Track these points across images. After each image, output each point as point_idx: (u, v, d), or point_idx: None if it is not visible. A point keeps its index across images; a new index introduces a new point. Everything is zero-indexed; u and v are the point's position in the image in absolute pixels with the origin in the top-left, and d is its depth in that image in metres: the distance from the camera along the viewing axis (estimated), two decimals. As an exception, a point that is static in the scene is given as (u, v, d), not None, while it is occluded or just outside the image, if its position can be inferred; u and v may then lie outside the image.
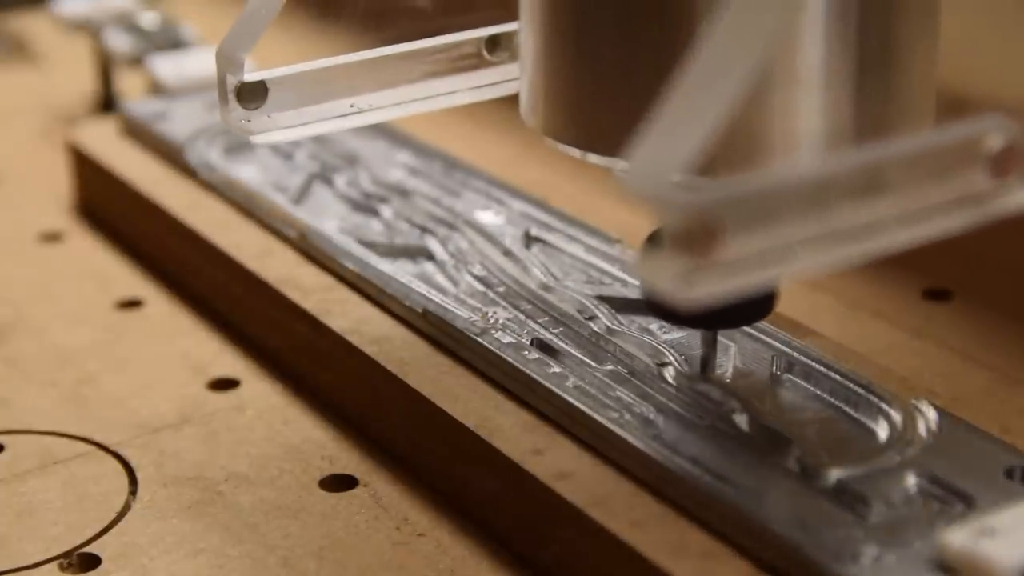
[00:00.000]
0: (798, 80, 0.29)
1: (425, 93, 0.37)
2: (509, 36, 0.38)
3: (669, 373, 0.35)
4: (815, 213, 0.26)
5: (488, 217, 0.44)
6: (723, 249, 0.25)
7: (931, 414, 0.33)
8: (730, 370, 0.36)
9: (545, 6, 0.32)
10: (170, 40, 0.58)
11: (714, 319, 0.33)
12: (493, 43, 0.38)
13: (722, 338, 0.37)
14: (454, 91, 0.38)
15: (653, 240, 0.30)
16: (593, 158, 0.31)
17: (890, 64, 0.30)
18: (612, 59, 0.30)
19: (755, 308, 0.33)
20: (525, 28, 0.33)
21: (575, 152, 0.32)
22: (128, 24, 0.59)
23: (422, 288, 0.40)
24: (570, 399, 0.34)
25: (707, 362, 0.35)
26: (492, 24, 0.38)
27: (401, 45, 0.37)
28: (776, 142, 0.29)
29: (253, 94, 0.35)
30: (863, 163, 0.27)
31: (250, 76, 0.35)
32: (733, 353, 0.36)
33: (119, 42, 0.58)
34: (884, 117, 0.30)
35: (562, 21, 0.31)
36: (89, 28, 0.59)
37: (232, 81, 0.35)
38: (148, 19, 0.59)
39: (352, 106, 0.36)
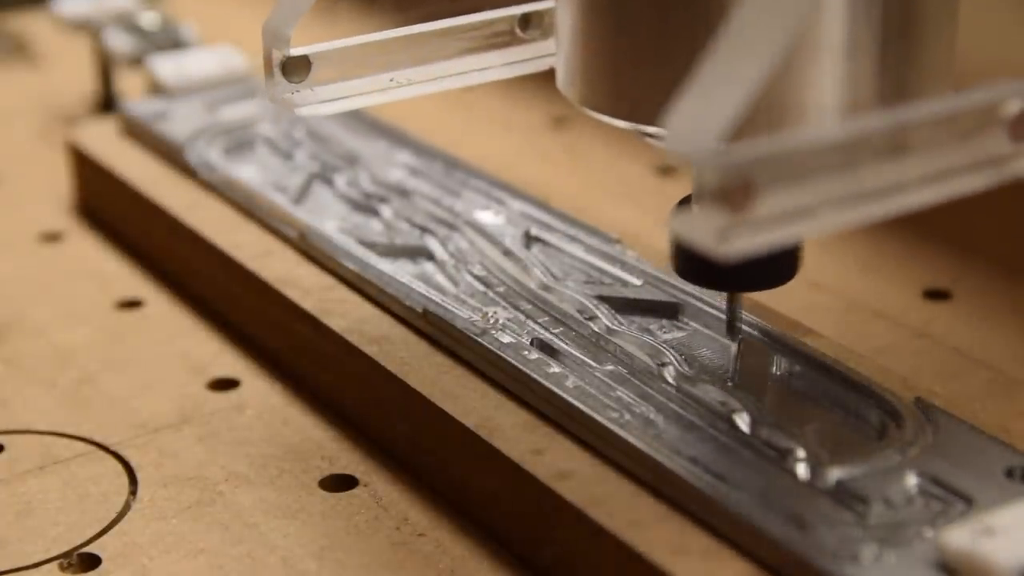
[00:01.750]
0: (823, 49, 0.30)
1: (460, 69, 0.38)
2: (541, 14, 0.39)
3: (669, 373, 0.35)
4: (842, 173, 0.28)
5: (488, 217, 0.44)
6: (757, 205, 0.26)
7: (931, 414, 0.33)
8: (730, 370, 0.36)
9: None
10: (170, 40, 0.58)
11: (741, 280, 0.34)
12: (526, 21, 0.39)
13: (722, 339, 0.37)
14: (488, 67, 0.39)
15: (683, 204, 0.32)
16: (626, 125, 0.32)
17: (911, 33, 0.31)
18: (647, 29, 0.31)
19: (780, 270, 0.34)
20: (562, 2, 0.33)
21: (613, 121, 0.33)
22: (128, 24, 0.59)
23: (422, 288, 0.40)
24: (570, 399, 0.34)
25: (732, 325, 0.36)
26: (525, 3, 0.39)
27: (438, 22, 0.38)
28: (803, 109, 0.30)
29: (297, 68, 0.36)
30: (887, 125, 0.28)
31: (295, 51, 0.36)
32: (734, 353, 0.36)
33: (119, 42, 0.58)
34: (906, 85, 0.31)
35: None
36: (89, 28, 0.59)
37: (278, 56, 0.36)
38: (148, 19, 0.59)
39: (392, 80, 0.37)
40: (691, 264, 0.34)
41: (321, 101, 0.37)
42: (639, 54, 0.31)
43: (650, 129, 0.32)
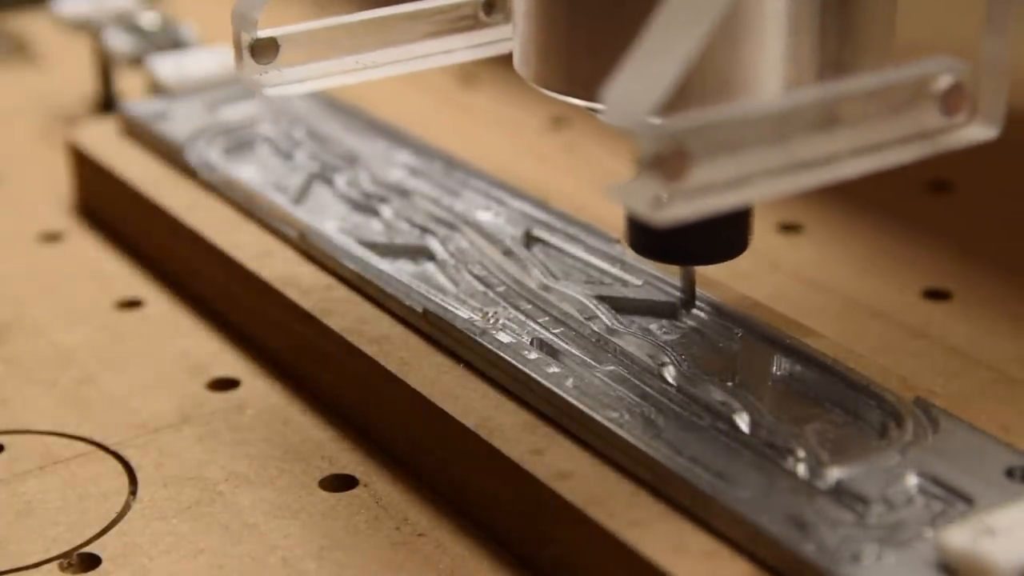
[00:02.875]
0: (764, 24, 0.31)
1: (425, 51, 0.39)
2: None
3: (669, 373, 0.35)
4: (776, 144, 0.29)
5: (488, 217, 0.44)
6: (692, 174, 0.28)
7: (931, 414, 0.33)
8: (730, 370, 0.36)
9: None
10: (170, 40, 0.58)
11: (692, 254, 0.36)
12: (489, 5, 0.40)
13: (722, 339, 0.37)
14: (452, 50, 0.40)
15: None
16: (579, 103, 0.33)
17: (850, 8, 0.32)
18: (598, 8, 0.32)
19: (730, 244, 0.35)
20: None
21: (564, 99, 0.34)
22: (128, 24, 0.59)
23: (422, 288, 0.40)
24: (570, 399, 0.34)
25: (686, 300, 0.37)
26: None
27: (403, 6, 0.39)
28: (743, 82, 0.31)
29: (265, 50, 0.37)
30: (820, 98, 0.29)
31: (263, 33, 0.37)
32: (733, 353, 0.36)
33: (119, 42, 0.58)
34: (845, 59, 0.32)
35: None
36: (89, 28, 0.59)
37: (246, 38, 0.37)
38: (148, 19, 0.59)
39: (357, 62, 0.38)
40: (643, 238, 0.35)
41: (289, 82, 0.38)
42: (591, 33, 0.32)
43: (601, 107, 0.32)
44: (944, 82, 0.30)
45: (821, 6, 0.31)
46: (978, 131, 0.31)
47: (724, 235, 0.35)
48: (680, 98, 0.30)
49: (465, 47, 0.40)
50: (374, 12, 0.38)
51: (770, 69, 0.31)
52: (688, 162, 0.28)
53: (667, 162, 0.27)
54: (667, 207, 0.28)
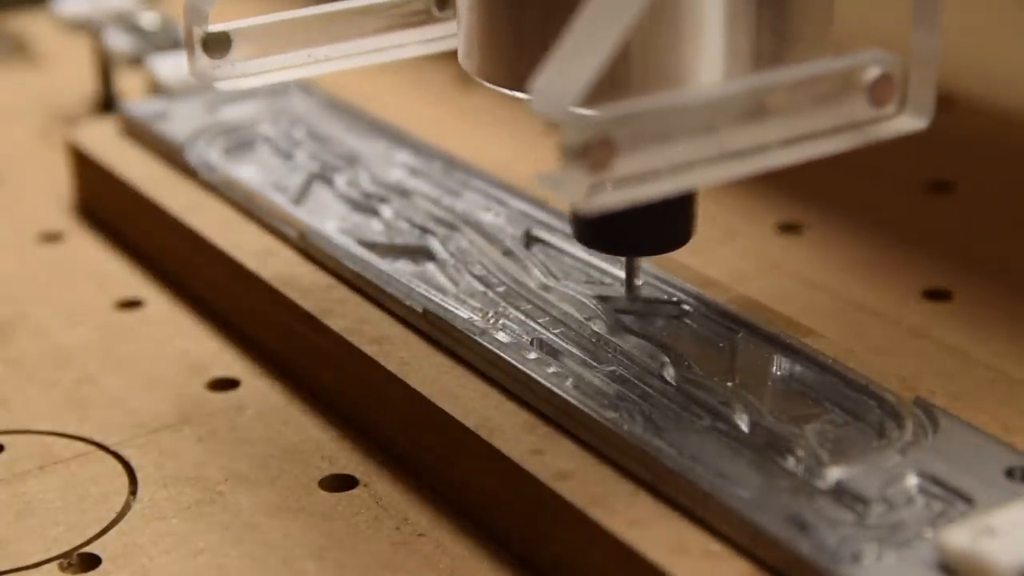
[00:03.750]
0: (699, 14, 0.31)
1: (377, 46, 0.40)
2: None
3: (669, 373, 0.35)
4: (704, 134, 0.29)
5: (488, 217, 0.44)
6: (618, 164, 0.28)
7: (931, 414, 0.33)
8: (730, 370, 0.36)
9: None
10: (170, 40, 0.58)
11: (635, 245, 0.36)
12: (442, 1, 0.40)
13: (722, 339, 0.37)
14: (404, 44, 0.40)
15: None
16: (520, 96, 0.34)
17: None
18: (535, 4, 0.32)
19: (674, 234, 0.36)
20: None
21: (506, 92, 0.34)
22: (128, 24, 0.59)
23: (422, 288, 0.40)
24: (570, 399, 0.34)
25: (629, 288, 0.38)
26: None
27: (355, 1, 0.39)
28: (681, 73, 0.32)
29: (218, 44, 0.37)
30: (749, 89, 0.30)
31: (215, 27, 0.37)
32: (734, 353, 0.36)
33: (119, 42, 0.58)
34: (780, 49, 0.32)
35: None
36: (89, 28, 0.59)
37: (198, 32, 0.37)
38: (148, 19, 0.59)
39: (309, 56, 0.39)
40: (587, 230, 0.36)
41: (241, 75, 0.38)
42: (529, 26, 0.33)
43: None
44: (872, 73, 0.31)
45: None
46: (907, 122, 0.31)
47: (672, 225, 0.36)
48: (618, 89, 0.30)
49: (418, 42, 0.40)
50: (327, 6, 0.39)
51: (707, 60, 0.32)
52: (614, 151, 0.28)
53: (593, 151, 0.28)
54: (594, 196, 0.28)
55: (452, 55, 0.38)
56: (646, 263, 0.40)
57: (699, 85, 0.32)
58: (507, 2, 0.33)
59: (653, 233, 0.36)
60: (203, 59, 0.37)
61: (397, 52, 0.40)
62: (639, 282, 0.38)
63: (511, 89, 0.34)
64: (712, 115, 0.29)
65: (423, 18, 0.40)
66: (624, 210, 0.29)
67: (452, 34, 0.39)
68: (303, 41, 0.39)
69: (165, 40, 0.58)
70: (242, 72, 0.38)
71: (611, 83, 0.31)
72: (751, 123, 0.30)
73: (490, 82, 0.34)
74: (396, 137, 0.50)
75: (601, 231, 0.35)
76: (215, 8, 0.37)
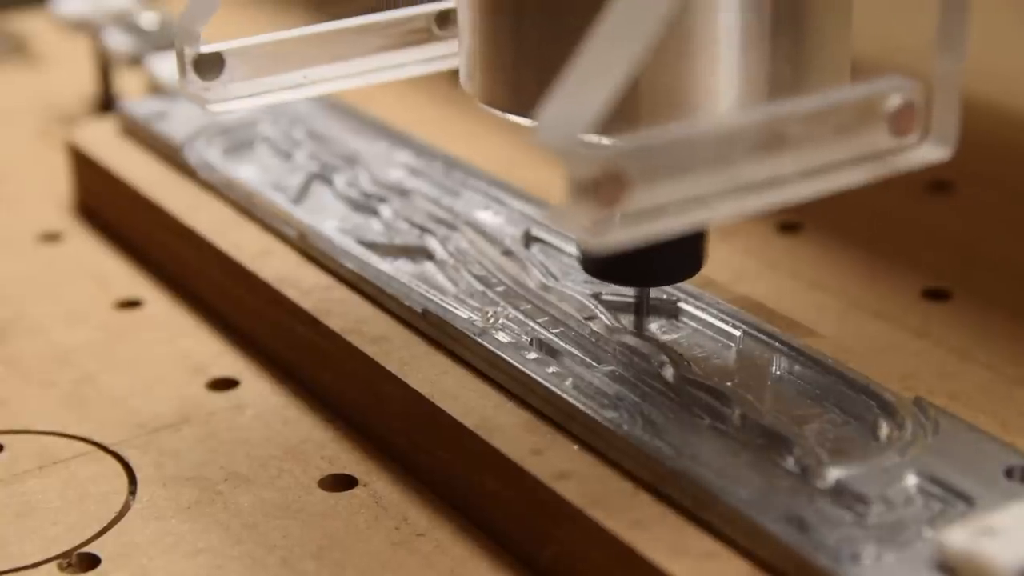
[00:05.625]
0: (713, 41, 0.30)
1: (376, 65, 0.39)
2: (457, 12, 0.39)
3: (669, 373, 0.35)
4: (719, 166, 0.28)
5: (488, 217, 0.44)
6: (629, 199, 0.27)
7: (931, 414, 0.33)
8: (730, 370, 0.36)
9: None
10: (170, 40, 0.58)
11: (642, 276, 0.35)
12: (442, 18, 0.39)
13: (722, 339, 0.37)
14: (404, 64, 0.39)
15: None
16: (523, 122, 0.33)
17: (803, 25, 0.31)
18: (541, 28, 0.31)
19: (683, 266, 0.35)
20: (463, 2, 0.34)
21: (508, 117, 0.33)
22: (127, 24, 0.59)
23: (422, 288, 0.40)
24: (570, 399, 0.34)
25: (639, 323, 0.37)
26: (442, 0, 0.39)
27: (353, 19, 0.38)
28: (695, 101, 0.31)
29: (210, 65, 0.36)
30: (765, 120, 0.29)
31: (207, 48, 0.36)
32: (733, 353, 0.36)
33: (119, 42, 0.58)
34: (797, 77, 0.31)
35: None
36: (88, 28, 0.59)
37: (190, 53, 0.36)
38: (147, 19, 0.59)
39: (305, 77, 0.38)
40: (596, 262, 0.35)
41: (234, 98, 0.37)
42: (534, 50, 0.32)
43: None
44: (894, 101, 0.30)
45: (772, 25, 0.31)
46: (931, 151, 0.30)
47: (684, 255, 0.35)
48: (631, 117, 0.29)
49: (418, 61, 0.39)
50: (323, 25, 0.38)
51: (721, 89, 0.31)
52: (625, 186, 0.27)
53: (603, 186, 0.27)
54: (605, 232, 0.27)
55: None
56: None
57: (712, 115, 0.31)
58: (511, 22, 0.32)
59: (671, 261, 0.35)
60: (195, 81, 0.36)
61: (396, 72, 0.39)
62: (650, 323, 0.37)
63: (516, 115, 0.33)
64: (727, 147, 0.28)
65: (423, 37, 0.39)
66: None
67: (453, 53, 0.39)
68: (299, 61, 0.38)
69: (164, 40, 0.58)
70: (235, 94, 0.37)
71: (619, 112, 0.29)
72: (767, 155, 0.29)
73: (494, 107, 0.33)
74: (396, 137, 0.50)
75: (611, 261, 0.34)
76: (220, 22, 0.36)
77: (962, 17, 0.29)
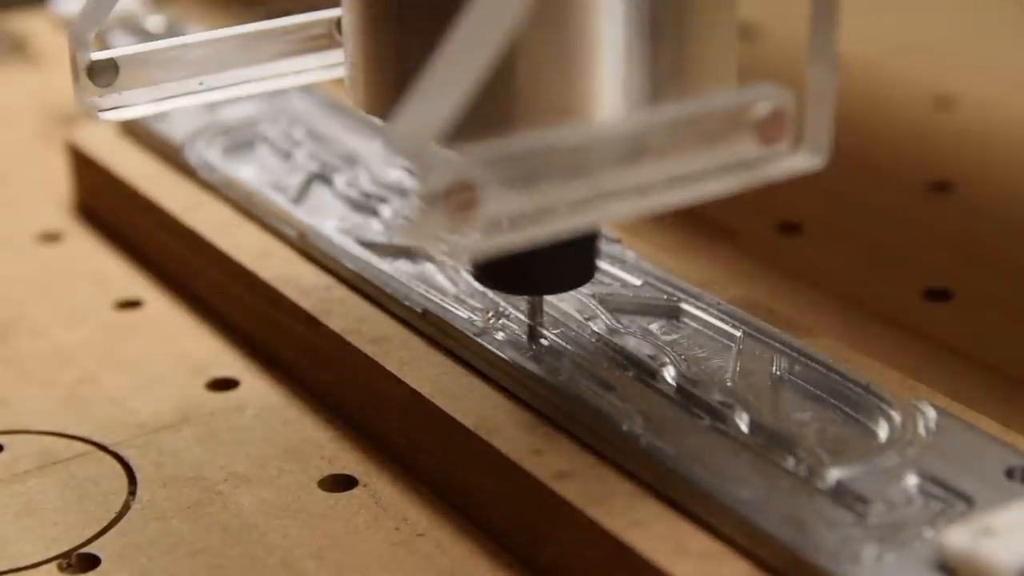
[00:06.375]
0: (591, 48, 0.30)
1: (275, 71, 0.38)
2: None
3: (669, 373, 0.35)
4: (578, 175, 0.27)
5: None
6: (482, 209, 0.26)
7: (931, 414, 0.33)
8: (730, 370, 0.36)
9: None
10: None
11: (530, 284, 0.35)
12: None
13: (722, 339, 0.37)
14: (304, 70, 0.39)
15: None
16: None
17: (684, 32, 0.31)
18: (413, 38, 0.31)
19: (574, 274, 0.35)
20: (345, 9, 0.33)
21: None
22: (133, 27, 0.59)
23: (422, 288, 0.40)
24: (570, 399, 0.34)
25: (532, 330, 0.36)
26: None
27: (251, 25, 0.38)
28: (572, 109, 0.30)
29: (104, 72, 0.36)
30: (627, 128, 0.28)
31: (99, 55, 0.36)
32: (734, 353, 0.36)
33: (121, 44, 0.58)
34: (678, 84, 0.31)
35: (371, 3, 0.32)
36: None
37: (82, 59, 0.36)
38: (153, 22, 0.59)
39: (201, 84, 0.37)
40: (488, 271, 0.34)
41: (128, 105, 0.37)
42: (414, 64, 0.31)
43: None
44: (762, 110, 0.29)
45: (653, 32, 0.30)
46: (802, 160, 0.30)
47: (574, 263, 0.34)
48: (506, 123, 0.29)
49: (318, 67, 0.39)
50: (221, 31, 0.37)
51: (600, 95, 0.30)
52: (477, 196, 0.26)
53: (454, 196, 0.26)
54: (458, 243, 0.26)
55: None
56: (645, 263, 0.40)
57: (589, 121, 0.30)
58: (388, 35, 0.32)
59: (560, 270, 0.34)
60: (88, 87, 0.36)
61: (297, 78, 0.38)
62: (544, 330, 0.37)
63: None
64: (586, 155, 0.28)
65: (324, 43, 0.38)
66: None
67: None
68: (195, 68, 0.37)
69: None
70: (129, 101, 0.37)
71: (494, 119, 0.29)
72: (630, 163, 0.28)
73: (375, 115, 0.33)
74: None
75: (500, 270, 0.33)
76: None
77: (831, 27, 0.29)
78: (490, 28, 0.27)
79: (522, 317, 0.38)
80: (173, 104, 0.37)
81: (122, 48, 0.36)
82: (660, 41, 0.30)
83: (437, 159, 0.26)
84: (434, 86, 0.27)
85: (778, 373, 0.35)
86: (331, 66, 0.39)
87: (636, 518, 0.31)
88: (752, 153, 0.29)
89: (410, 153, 0.26)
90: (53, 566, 0.34)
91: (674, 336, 0.37)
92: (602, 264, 0.40)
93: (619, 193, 0.28)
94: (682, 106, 0.29)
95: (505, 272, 0.34)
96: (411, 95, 0.27)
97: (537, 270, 0.34)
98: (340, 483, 0.37)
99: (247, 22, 0.38)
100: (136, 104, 0.37)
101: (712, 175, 0.29)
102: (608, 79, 0.30)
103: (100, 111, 0.36)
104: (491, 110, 0.29)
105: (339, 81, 0.37)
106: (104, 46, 0.58)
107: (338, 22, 0.38)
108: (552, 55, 0.30)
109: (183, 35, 0.57)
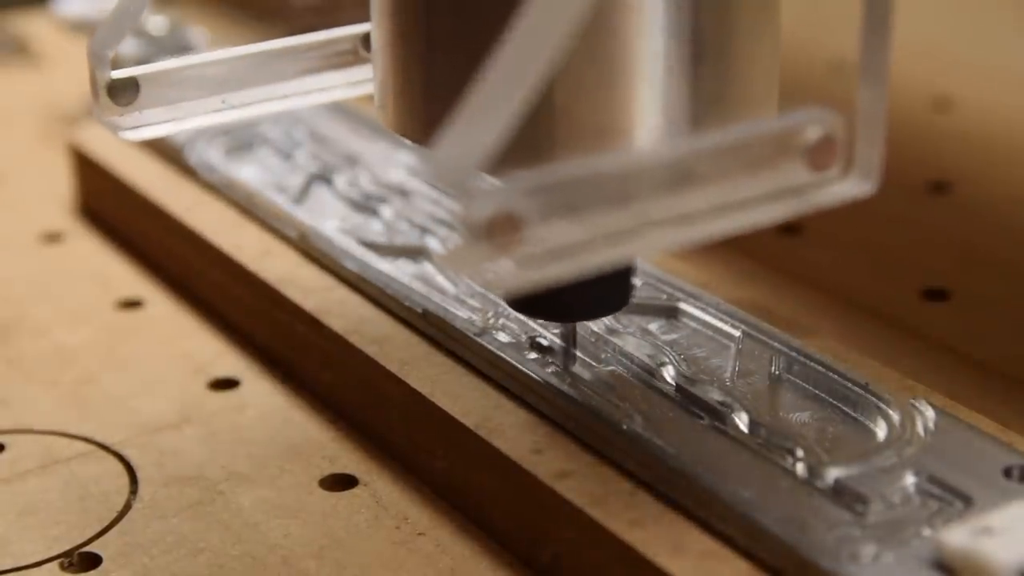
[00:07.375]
0: (633, 72, 0.29)
1: (299, 89, 0.38)
2: None
3: (669, 373, 0.35)
4: (623, 205, 0.27)
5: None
6: (525, 239, 0.26)
7: (930, 414, 0.33)
8: (730, 370, 0.36)
9: (386, 9, 0.32)
10: (178, 44, 0.58)
11: (568, 311, 0.34)
12: (368, 40, 0.37)
13: (722, 339, 0.37)
14: (329, 87, 0.38)
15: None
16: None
17: (727, 54, 0.30)
18: (452, 61, 0.30)
19: (610, 300, 0.34)
20: (374, 28, 0.33)
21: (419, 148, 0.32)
22: (135, 28, 0.59)
23: (422, 288, 0.40)
24: (570, 399, 0.34)
25: (567, 354, 0.36)
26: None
27: (275, 42, 0.37)
28: (614, 133, 0.30)
29: (124, 90, 0.36)
30: (672, 156, 0.27)
31: (119, 73, 0.35)
32: (733, 353, 0.36)
33: (126, 46, 0.58)
34: (721, 108, 0.30)
35: (401, 22, 0.32)
36: (90, 29, 0.59)
37: (102, 78, 0.35)
38: (155, 23, 0.59)
39: (223, 102, 0.37)
40: (522, 297, 0.33)
41: (149, 124, 0.36)
42: (446, 84, 0.31)
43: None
44: (812, 135, 0.28)
45: (695, 55, 0.30)
46: (853, 186, 0.29)
47: (604, 290, 0.34)
48: (547, 149, 0.28)
49: (344, 84, 0.38)
50: (244, 48, 0.37)
51: (642, 119, 0.30)
52: (521, 227, 0.26)
53: (498, 227, 0.25)
54: (501, 274, 0.26)
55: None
56: (644, 263, 0.40)
57: (630, 145, 0.30)
58: (421, 55, 0.31)
59: (598, 297, 0.34)
60: (108, 106, 0.35)
61: (321, 95, 0.38)
62: (576, 351, 0.36)
63: (425, 145, 0.31)
64: (631, 184, 0.27)
65: (349, 59, 0.38)
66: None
67: None
68: (217, 86, 0.36)
69: (172, 44, 0.58)
70: (150, 120, 0.36)
71: (534, 144, 0.29)
72: (676, 192, 0.27)
73: (404, 136, 0.32)
74: (396, 137, 0.50)
75: (540, 299, 0.32)
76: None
77: (884, 48, 0.28)
78: (535, 52, 0.26)
79: (522, 317, 0.38)
80: (195, 123, 0.37)
81: (143, 66, 0.36)
82: (703, 63, 0.30)
83: (480, 190, 0.25)
84: (477, 112, 0.26)
85: (777, 373, 0.35)
86: (357, 83, 0.38)
87: (636, 518, 0.31)
88: (801, 179, 0.28)
89: (453, 183, 0.25)
90: (55, 565, 0.34)
91: (673, 336, 0.37)
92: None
93: (664, 222, 0.27)
94: (729, 131, 0.28)
95: (539, 299, 0.33)
96: (453, 122, 0.26)
97: (572, 297, 0.33)
98: (341, 483, 0.37)
99: (270, 38, 0.37)
100: (158, 123, 0.36)
101: (759, 203, 0.28)
102: (650, 101, 0.30)
103: (121, 130, 0.35)
104: (531, 133, 0.28)
105: (366, 98, 0.36)
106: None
107: (364, 38, 0.38)
108: (594, 77, 0.29)
109: (185, 36, 0.58)
